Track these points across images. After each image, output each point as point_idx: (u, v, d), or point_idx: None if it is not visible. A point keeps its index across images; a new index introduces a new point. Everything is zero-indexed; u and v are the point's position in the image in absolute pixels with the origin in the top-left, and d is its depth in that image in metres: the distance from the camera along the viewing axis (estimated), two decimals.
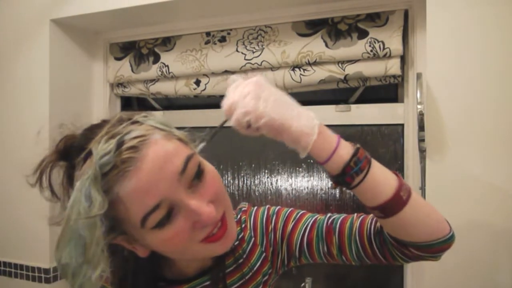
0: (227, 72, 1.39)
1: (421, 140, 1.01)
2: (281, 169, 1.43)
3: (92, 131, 0.53)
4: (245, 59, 1.35)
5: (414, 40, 1.19)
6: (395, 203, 0.55)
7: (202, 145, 0.59)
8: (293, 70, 1.30)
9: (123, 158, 0.48)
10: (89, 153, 0.49)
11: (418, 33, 1.17)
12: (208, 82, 1.44)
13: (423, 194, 1.04)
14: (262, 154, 1.45)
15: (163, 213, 0.50)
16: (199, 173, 0.53)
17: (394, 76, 1.20)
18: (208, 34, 1.44)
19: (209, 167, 0.56)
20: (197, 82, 1.45)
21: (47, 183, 0.56)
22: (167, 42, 1.50)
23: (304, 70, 1.28)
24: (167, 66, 1.47)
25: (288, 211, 0.73)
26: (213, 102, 1.51)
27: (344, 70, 1.23)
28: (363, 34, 1.20)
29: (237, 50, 1.38)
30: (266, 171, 1.45)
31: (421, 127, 0.99)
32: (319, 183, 1.38)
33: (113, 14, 1.38)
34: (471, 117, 0.99)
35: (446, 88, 1.01)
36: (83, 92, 1.60)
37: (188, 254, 0.56)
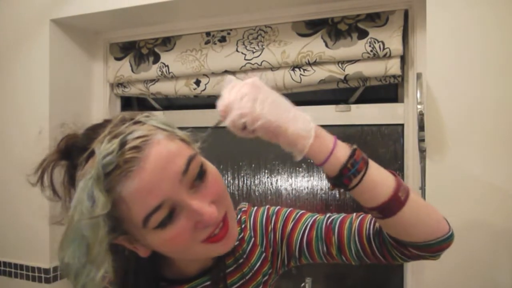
0: (227, 72, 1.39)
1: (421, 140, 1.02)
2: (281, 169, 1.43)
3: (94, 130, 0.53)
4: (245, 59, 1.35)
5: (414, 40, 1.19)
6: (394, 204, 0.55)
7: (196, 146, 0.58)
8: (293, 70, 1.30)
9: (126, 158, 0.48)
10: (92, 153, 0.49)
11: (418, 33, 1.17)
12: (208, 82, 1.44)
13: (423, 194, 1.04)
14: (262, 154, 1.45)
15: (165, 213, 0.50)
16: (201, 174, 0.53)
17: (394, 76, 1.20)
18: (208, 34, 1.44)
19: (211, 168, 0.56)
20: (197, 82, 1.45)
21: (48, 182, 0.56)
22: (167, 42, 1.50)
23: (304, 70, 1.28)
24: (167, 66, 1.47)
25: (288, 211, 0.73)
26: (213, 102, 1.48)
27: (344, 70, 1.23)
28: (363, 34, 1.20)
29: (237, 50, 1.38)
30: (266, 171, 1.45)
31: (421, 127, 0.99)
32: (319, 183, 1.38)
33: (113, 14, 1.38)
34: (471, 117, 0.99)
35: (446, 88, 1.01)
36: (83, 92, 1.60)
37: (189, 254, 0.56)
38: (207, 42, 1.43)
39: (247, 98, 0.52)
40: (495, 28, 0.97)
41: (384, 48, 1.17)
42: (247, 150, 1.48)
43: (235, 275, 0.67)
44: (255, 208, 0.75)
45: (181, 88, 1.48)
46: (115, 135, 0.49)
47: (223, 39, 1.41)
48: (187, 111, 1.57)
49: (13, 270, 1.50)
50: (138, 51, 1.55)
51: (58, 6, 1.42)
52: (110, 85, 1.63)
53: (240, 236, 0.70)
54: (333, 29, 1.24)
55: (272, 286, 0.72)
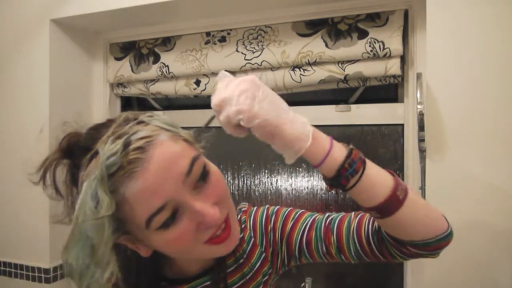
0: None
1: (421, 140, 1.02)
2: (281, 169, 1.43)
3: (97, 130, 0.53)
4: (245, 59, 1.36)
5: (414, 40, 1.19)
6: (392, 203, 0.54)
7: (199, 146, 0.58)
8: (293, 70, 1.30)
9: (129, 159, 0.48)
10: (95, 154, 0.49)
11: (418, 33, 1.17)
12: (208, 82, 1.44)
13: (423, 194, 1.04)
14: (262, 154, 1.45)
15: (168, 214, 0.50)
16: (204, 175, 0.53)
17: (394, 76, 1.20)
18: (208, 34, 1.44)
19: (214, 169, 0.56)
20: (197, 82, 1.45)
21: (51, 181, 0.56)
22: (167, 42, 1.50)
23: (304, 70, 1.28)
24: (167, 66, 1.47)
25: (287, 211, 0.73)
26: None
27: (344, 70, 1.23)
28: (363, 34, 1.20)
29: (237, 50, 1.38)
30: (266, 171, 1.45)
31: (421, 127, 0.99)
32: (319, 183, 1.38)
33: (113, 14, 1.38)
34: (471, 117, 0.99)
35: (446, 88, 1.01)
36: (83, 92, 1.60)
37: (191, 254, 0.56)
38: (207, 42, 1.43)
39: (246, 95, 0.51)
40: (495, 28, 0.97)
41: (384, 48, 1.17)
42: (247, 150, 1.48)
43: (235, 275, 0.67)
44: (255, 208, 0.75)
45: (181, 88, 1.48)
46: (118, 136, 0.49)
47: (223, 39, 1.41)
48: (187, 111, 1.57)
49: (13, 270, 1.50)
50: (138, 51, 1.55)
51: (58, 6, 1.42)
52: (110, 85, 1.63)
53: (240, 236, 0.70)
54: (333, 29, 1.25)
55: (272, 286, 0.72)
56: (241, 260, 0.68)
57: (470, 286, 0.99)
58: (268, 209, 0.74)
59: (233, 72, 1.38)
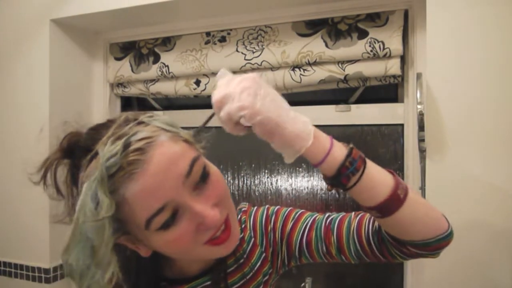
0: None
1: (421, 140, 1.02)
2: (281, 169, 1.43)
3: (97, 131, 0.53)
4: (245, 59, 1.36)
5: (414, 40, 1.19)
6: (393, 203, 0.54)
7: (199, 146, 0.58)
8: (293, 70, 1.30)
9: (129, 160, 0.48)
10: (95, 154, 0.49)
11: (418, 33, 1.17)
12: (208, 82, 1.44)
13: (423, 194, 1.04)
14: (262, 154, 1.45)
15: (167, 215, 0.50)
16: (204, 176, 0.53)
17: (394, 76, 1.20)
18: (208, 34, 1.44)
19: (214, 170, 0.56)
20: (197, 82, 1.45)
21: (52, 181, 0.56)
22: (167, 42, 1.50)
23: (304, 70, 1.28)
24: (167, 66, 1.47)
25: (287, 211, 0.73)
26: None
27: (344, 70, 1.23)
28: (363, 34, 1.20)
29: (237, 50, 1.38)
30: (266, 171, 1.45)
31: (421, 127, 0.99)
32: (319, 183, 1.38)
33: (113, 14, 1.38)
34: (471, 117, 0.99)
35: (446, 88, 1.01)
36: (83, 92, 1.60)
37: (191, 255, 0.57)
38: (207, 42, 1.43)
39: (248, 92, 0.50)
40: (495, 28, 0.97)
41: (384, 48, 1.17)
42: (247, 150, 1.48)
43: (235, 275, 0.67)
44: (255, 208, 0.75)
45: (181, 88, 1.48)
46: (118, 137, 0.49)
47: (223, 39, 1.41)
48: (187, 111, 1.57)
49: (13, 270, 1.50)
50: (138, 51, 1.55)
51: (58, 6, 1.42)
52: (110, 85, 1.63)
53: (240, 236, 0.70)
54: (333, 29, 1.25)
55: (272, 286, 0.72)
56: (242, 260, 0.68)
57: (470, 286, 0.99)
58: (268, 209, 0.74)
59: (233, 72, 1.38)
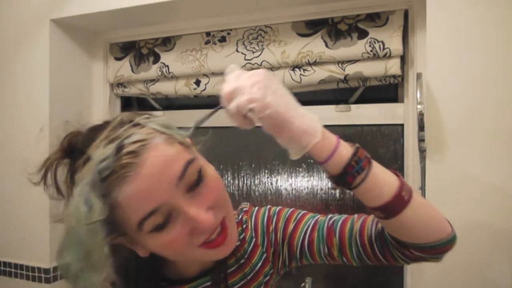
0: None
1: (421, 140, 1.02)
2: (281, 169, 1.43)
3: (94, 132, 0.53)
4: (245, 59, 1.36)
5: (414, 40, 1.19)
6: (397, 203, 0.54)
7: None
8: (293, 70, 1.30)
9: (122, 163, 0.47)
10: (88, 158, 0.49)
11: (418, 33, 1.17)
12: (208, 82, 1.44)
13: (423, 194, 1.04)
14: (262, 154, 1.45)
15: (160, 218, 0.49)
16: (199, 179, 0.52)
17: (394, 76, 1.20)
18: (208, 34, 1.44)
19: (210, 172, 0.55)
20: (197, 82, 1.45)
21: (52, 181, 0.56)
22: (167, 42, 1.50)
23: (304, 70, 1.28)
24: (167, 66, 1.47)
25: (289, 212, 0.73)
26: (213, 102, 1.51)
27: (344, 70, 1.23)
28: (363, 34, 1.20)
29: (237, 50, 1.38)
30: (266, 171, 1.45)
31: (421, 127, 0.99)
32: (319, 183, 1.38)
33: (113, 14, 1.38)
34: (471, 117, 0.99)
35: (446, 88, 1.01)
36: (83, 92, 1.60)
37: (188, 257, 0.56)
38: (207, 42, 1.43)
39: (258, 85, 0.50)
40: (495, 28, 0.97)
41: (384, 48, 1.17)
42: (247, 150, 1.48)
43: (236, 276, 0.67)
44: (257, 208, 0.75)
45: (181, 88, 1.48)
46: (111, 140, 0.49)
47: (223, 39, 1.41)
48: (187, 111, 1.57)
49: (13, 270, 1.50)
50: (138, 51, 1.55)
51: (58, 6, 1.42)
52: (110, 85, 1.63)
53: (242, 236, 0.70)
54: (333, 29, 1.25)
55: (273, 286, 0.72)
56: (242, 261, 0.68)
57: (470, 286, 0.99)
58: (269, 209, 0.73)
59: None
